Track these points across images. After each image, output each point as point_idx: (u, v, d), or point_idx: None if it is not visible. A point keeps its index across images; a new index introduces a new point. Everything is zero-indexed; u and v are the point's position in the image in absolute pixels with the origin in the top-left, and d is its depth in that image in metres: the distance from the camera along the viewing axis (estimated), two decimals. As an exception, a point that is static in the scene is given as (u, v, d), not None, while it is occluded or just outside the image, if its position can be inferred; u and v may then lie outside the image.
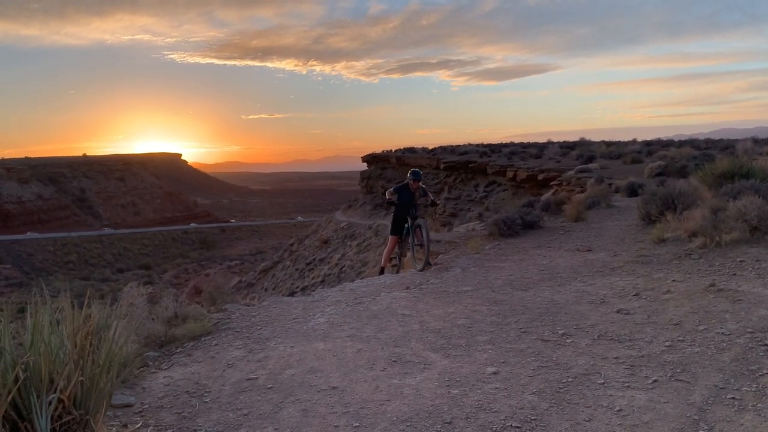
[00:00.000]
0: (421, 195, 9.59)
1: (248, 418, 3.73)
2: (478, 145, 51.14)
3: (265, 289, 45.57)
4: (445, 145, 55.32)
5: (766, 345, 4.30)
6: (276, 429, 3.56)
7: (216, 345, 5.26)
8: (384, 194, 10.07)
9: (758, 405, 3.44)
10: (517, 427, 3.40)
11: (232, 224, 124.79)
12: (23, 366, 2.94)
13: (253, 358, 4.87)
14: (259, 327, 5.81)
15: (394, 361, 4.63)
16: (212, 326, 5.72)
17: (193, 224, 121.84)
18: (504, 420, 3.50)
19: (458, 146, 51.66)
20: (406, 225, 9.38)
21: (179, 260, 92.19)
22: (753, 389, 3.65)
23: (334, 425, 3.57)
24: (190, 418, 3.77)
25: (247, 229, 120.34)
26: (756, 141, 33.65)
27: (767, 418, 3.28)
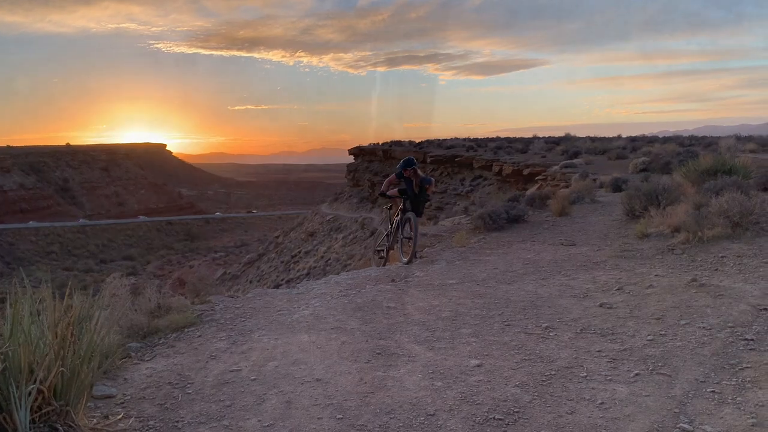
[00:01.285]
0: (423, 183, 8.85)
1: (231, 410, 3.72)
2: (464, 140, 51.19)
3: (250, 281, 45.42)
4: (432, 138, 55.38)
5: (746, 339, 4.36)
6: (259, 420, 3.55)
7: (199, 336, 5.23)
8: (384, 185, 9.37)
9: (738, 399, 3.49)
10: (500, 419, 3.42)
11: (218, 216, 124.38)
12: (2, 356, 2.90)
13: (237, 350, 4.85)
14: (242, 319, 5.79)
15: (379, 354, 4.63)
16: (196, 318, 5.69)
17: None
18: (487, 412, 3.51)
19: (445, 140, 51.69)
20: (397, 216, 9.13)
21: (163, 252, 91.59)
22: (733, 383, 3.69)
23: (318, 417, 3.56)
24: (173, 409, 3.75)
25: (233, 221, 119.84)
26: (738, 138, 33.99)
27: (746, 411, 3.32)
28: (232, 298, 6.87)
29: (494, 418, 3.44)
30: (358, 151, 58.19)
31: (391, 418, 3.50)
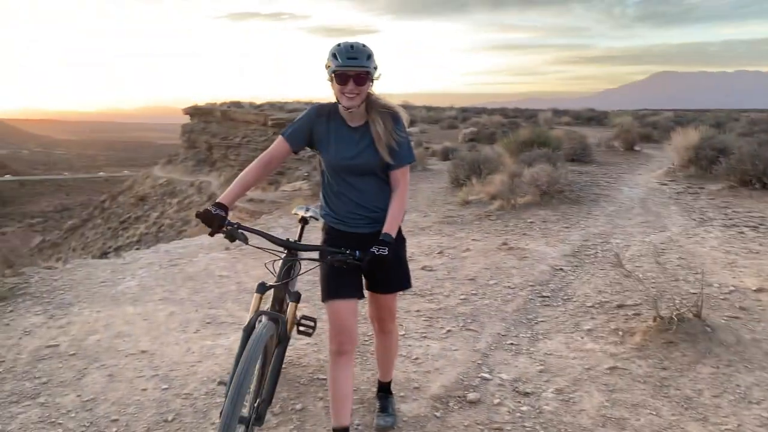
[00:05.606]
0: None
1: (47, 387, 3.57)
2: (306, 103, 50.90)
3: (73, 250, 42.17)
4: (274, 101, 54.40)
5: (542, 297, 4.95)
6: (79, 395, 3.46)
7: (11, 311, 4.89)
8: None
9: (531, 349, 3.99)
10: (323, 379, 3.62)
11: (33, 178, 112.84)
12: None
13: (55, 325, 4.61)
14: (61, 292, 5.47)
15: (208, 323, 4.65)
16: (7, 291, 5.29)
17: (8, 175, 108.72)
18: (311, 374, 3.70)
19: (287, 103, 51.05)
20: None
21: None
22: (528, 335, 4.21)
23: (142, 388, 3.54)
24: (-21, 390, 3.51)
25: (52, 183, 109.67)
26: (555, 112, 37.37)
27: (537, 359, 3.82)
28: (49, 269, 6.42)
29: (317, 378, 3.64)
30: (194, 111, 55.72)
31: (218, 385, 3.56)
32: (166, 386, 3.56)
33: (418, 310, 4.76)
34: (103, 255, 27.69)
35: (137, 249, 12.27)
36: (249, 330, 2.46)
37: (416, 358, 3.90)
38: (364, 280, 2.85)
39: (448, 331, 4.33)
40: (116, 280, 5.91)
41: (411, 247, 6.62)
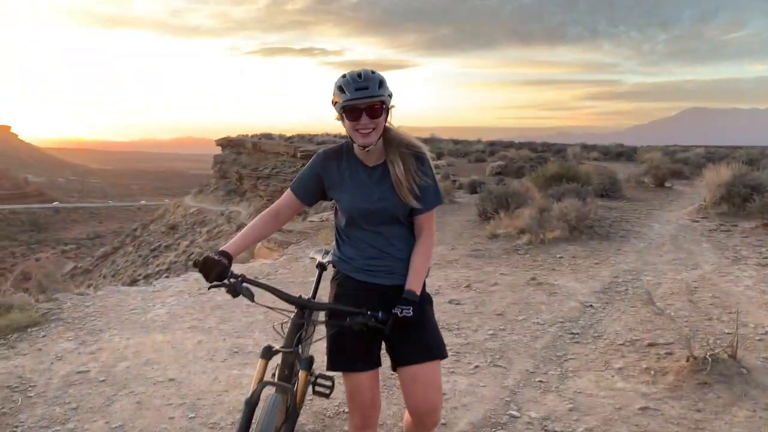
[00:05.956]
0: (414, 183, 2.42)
1: (77, 412, 3.61)
2: (335, 136, 51.45)
3: (104, 277, 42.84)
4: (303, 133, 55.17)
5: (572, 333, 4.88)
6: (107, 422, 3.49)
7: (44, 336, 4.98)
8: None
9: (560, 387, 3.92)
10: (345, 411, 3.59)
11: (68, 205, 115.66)
12: None
13: (85, 351, 4.67)
14: (92, 318, 5.56)
15: (236, 352, 4.67)
16: (40, 317, 5.39)
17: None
18: (337, 406, 3.68)
19: (316, 135, 51.71)
20: None
21: (5, 243, 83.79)
22: (557, 373, 4.14)
23: (169, 417, 3.56)
24: (12, 414, 3.57)
25: (85, 211, 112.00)
26: (584, 146, 37.23)
27: (566, 398, 3.75)
28: (81, 295, 6.53)
29: (343, 411, 3.62)
30: (226, 142, 56.75)
31: (244, 415, 3.56)
32: (193, 415, 3.58)
33: (445, 345, 4.71)
34: (133, 282, 28.09)
35: (167, 277, 12.45)
36: (252, 403, 2.17)
37: (443, 394, 3.85)
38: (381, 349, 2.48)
39: (476, 366, 4.29)
40: (146, 307, 5.99)
41: (438, 280, 6.62)
